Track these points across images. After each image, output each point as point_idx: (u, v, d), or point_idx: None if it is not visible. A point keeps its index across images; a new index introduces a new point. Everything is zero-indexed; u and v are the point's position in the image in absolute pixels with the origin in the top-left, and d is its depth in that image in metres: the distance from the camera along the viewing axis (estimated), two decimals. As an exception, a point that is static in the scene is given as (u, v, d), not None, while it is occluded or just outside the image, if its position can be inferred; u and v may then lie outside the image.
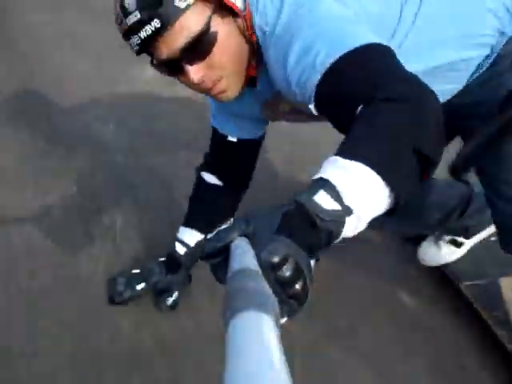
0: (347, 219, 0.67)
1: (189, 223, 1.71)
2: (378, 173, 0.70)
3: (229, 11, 1.11)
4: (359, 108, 0.81)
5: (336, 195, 0.67)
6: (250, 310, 0.47)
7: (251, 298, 0.50)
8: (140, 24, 1.07)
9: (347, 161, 0.71)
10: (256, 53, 1.17)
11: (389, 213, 0.75)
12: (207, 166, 1.69)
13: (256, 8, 1.13)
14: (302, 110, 1.10)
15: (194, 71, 1.12)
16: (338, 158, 0.72)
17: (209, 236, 0.60)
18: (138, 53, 1.14)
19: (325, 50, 0.94)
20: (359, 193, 0.69)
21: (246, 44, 1.15)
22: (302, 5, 1.04)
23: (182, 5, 1.06)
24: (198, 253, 1.68)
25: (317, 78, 0.93)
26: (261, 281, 0.55)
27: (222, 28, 1.11)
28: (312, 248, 0.65)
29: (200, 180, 1.71)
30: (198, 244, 1.67)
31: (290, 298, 0.61)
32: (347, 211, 0.67)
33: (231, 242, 0.65)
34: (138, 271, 1.73)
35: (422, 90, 0.80)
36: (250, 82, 1.24)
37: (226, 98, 1.20)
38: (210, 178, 1.68)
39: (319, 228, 0.65)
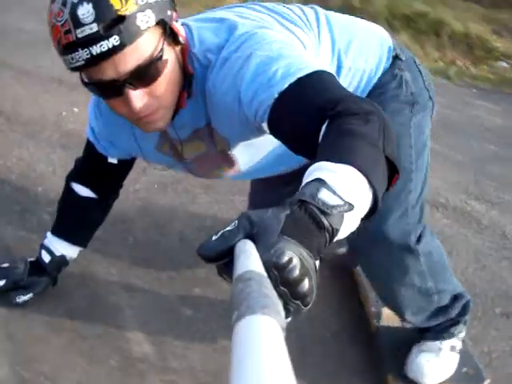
0: (346, 215, 0.69)
1: (56, 232, 1.67)
2: (364, 174, 0.74)
3: (173, 39, 1.09)
4: (325, 122, 0.87)
5: (335, 192, 0.69)
6: (255, 314, 0.47)
7: (256, 301, 0.49)
8: (94, 38, 0.98)
9: (334, 164, 0.75)
10: (189, 86, 1.16)
11: (366, 218, 0.78)
12: (79, 177, 1.62)
13: (192, 37, 1.15)
14: (209, 156, 1.30)
15: (138, 97, 1.06)
16: (325, 162, 0.76)
17: (213, 237, 0.64)
18: (78, 69, 1.04)
19: (282, 71, 0.99)
20: (352, 191, 0.71)
21: (181, 74, 1.14)
22: (251, 35, 1.11)
23: (143, 26, 1.01)
24: (62, 262, 1.68)
25: (273, 95, 0.98)
26: (266, 283, 0.54)
27: (169, 56, 1.08)
28: (317, 248, 0.65)
29: (70, 190, 1.63)
30: (63, 255, 1.68)
31: (295, 300, 0.60)
32: (350, 206, 0.69)
33: (235, 244, 0.64)
34: (4, 265, 1.69)
35: (378, 108, 0.89)
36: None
37: (156, 128, 1.17)
38: (81, 190, 1.61)
39: (324, 226, 0.66)
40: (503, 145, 3.69)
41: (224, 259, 0.64)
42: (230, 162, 1.33)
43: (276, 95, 0.98)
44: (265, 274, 0.57)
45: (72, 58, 1.01)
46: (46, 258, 1.66)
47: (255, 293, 0.51)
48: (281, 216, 0.65)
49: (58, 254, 1.66)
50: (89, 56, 0.99)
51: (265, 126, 1.02)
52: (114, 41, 0.98)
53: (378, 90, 1.40)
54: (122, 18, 0.98)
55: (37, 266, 1.67)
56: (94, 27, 0.97)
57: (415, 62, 1.49)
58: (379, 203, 0.76)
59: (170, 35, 1.08)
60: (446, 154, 3.32)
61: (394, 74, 1.42)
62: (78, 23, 0.97)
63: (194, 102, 1.19)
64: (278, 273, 0.59)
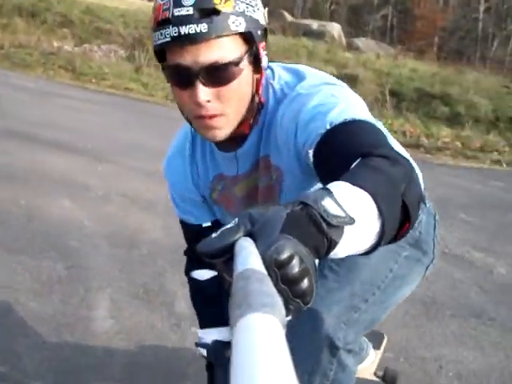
0: (346, 229, 0.69)
1: (206, 325, 1.55)
2: (375, 202, 0.74)
3: (255, 62, 1.15)
4: (358, 159, 0.89)
5: (339, 204, 0.69)
6: (256, 312, 0.47)
7: (257, 300, 0.49)
8: (187, 19, 1.04)
9: (350, 185, 0.75)
10: (256, 113, 1.22)
11: (366, 252, 0.78)
12: (193, 263, 1.55)
13: (273, 73, 1.25)
14: (255, 194, 1.30)
15: (205, 92, 1.09)
16: (340, 181, 0.77)
17: (214, 235, 0.66)
18: (162, 46, 1.10)
19: (342, 108, 1.05)
20: (358, 210, 0.71)
21: (252, 99, 1.18)
22: (326, 81, 1.20)
23: (233, 27, 1.07)
24: (219, 348, 1.51)
25: (325, 125, 1.02)
26: (266, 281, 0.54)
27: (246, 70, 1.13)
28: (316, 248, 0.66)
29: (192, 282, 1.57)
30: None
31: (296, 298, 0.61)
32: (351, 220, 0.68)
33: (235, 241, 0.63)
34: None
35: (411, 162, 0.91)
36: (235, 143, 1.26)
37: (214, 136, 1.17)
38: (202, 274, 1.53)
39: (324, 231, 0.66)
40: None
41: (224, 256, 0.64)
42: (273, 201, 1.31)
43: (328, 126, 1.02)
44: (265, 272, 0.56)
45: (161, 34, 1.07)
46: (204, 352, 1.54)
47: (256, 291, 0.51)
48: (281, 214, 0.65)
49: (209, 341, 1.52)
50: (176, 34, 1.05)
51: (310, 153, 1.05)
52: (202, 27, 1.04)
53: None
54: (216, 12, 1.05)
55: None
56: (190, 10, 1.04)
57: (435, 216, 1.45)
58: (384, 238, 0.76)
59: (253, 55, 1.13)
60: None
61: None
62: (177, 3, 1.05)
63: (259, 130, 1.24)
64: (278, 270, 0.59)
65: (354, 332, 1.29)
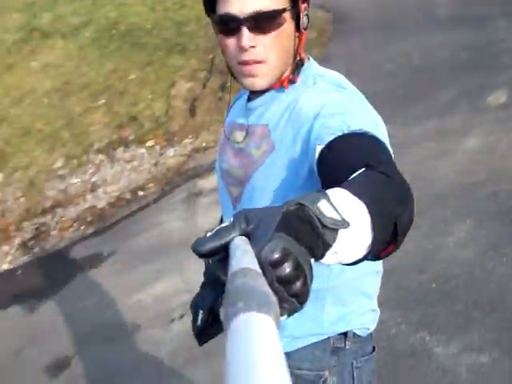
0: (340, 233, 0.69)
1: None
2: (370, 215, 0.75)
3: (297, 20, 1.22)
4: (363, 168, 0.90)
5: (335, 208, 0.70)
6: (250, 311, 0.47)
7: (251, 299, 0.49)
8: None
9: (348, 193, 0.76)
10: (294, 70, 1.27)
11: (354, 263, 0.79)
12: None
13: (310, 63, 1.30)
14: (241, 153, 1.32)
15: (249, 37, 1.16)
16: (340, 188, 0.78)
17: (208, 234, 0.68)
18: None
19: (365, 118, 1.10)
20: (353, 218, 0.71)
21: (292, 56, 1.25)
22: (361, 96, 1.24)
23: None
24: None
25: (342, 129, 1.04)
26: (261, 280, 0.54)
27: (289, 24, 1.20)
28: (311, 248, 0.66)
29: None
30: None
31: (291, 297, 0.61)
32: (345, 223, 0.69)
33: (230, 241, 0.63)
34: None
35: (410, 188, 0.91)
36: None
37: (253, 83, 1.23)
38: None
39: (319, 232, 0.67)
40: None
41: (219, 255, 0.65)
42: (246, 174, 1.32)
43: (345, 130, 1.04)
44: (260, 271, 0.56)
45: None
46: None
47: (250, 290, 0.51)
48: (277, 214, 0.65)
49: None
50: None
51: (318, 149, 1.06)
52: None
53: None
54: None
55: None
56: None
57: (354, 368, 1.34)
58: (371, 252, 0.77)
59: (296, 12, 1.21)
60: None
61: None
62: None
63: (276, 95, 1.28)
64: (272, 269, 0.59)
65: None
